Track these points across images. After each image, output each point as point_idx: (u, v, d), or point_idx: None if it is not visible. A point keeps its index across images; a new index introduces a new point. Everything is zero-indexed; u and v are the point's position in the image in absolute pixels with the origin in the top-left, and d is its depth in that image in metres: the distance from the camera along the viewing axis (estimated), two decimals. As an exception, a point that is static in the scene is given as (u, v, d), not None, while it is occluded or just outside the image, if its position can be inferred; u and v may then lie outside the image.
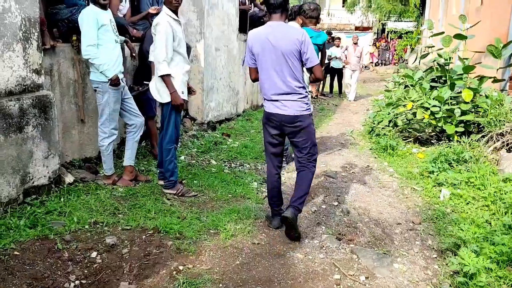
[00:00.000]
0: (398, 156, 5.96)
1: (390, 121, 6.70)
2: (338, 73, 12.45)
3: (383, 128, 6.94)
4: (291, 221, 3.25)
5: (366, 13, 22.29)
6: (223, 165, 5.36)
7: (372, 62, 23.89)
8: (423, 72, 6.71)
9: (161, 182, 4.17)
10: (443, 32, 6.83)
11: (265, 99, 3.30)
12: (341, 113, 10.17)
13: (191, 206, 3.88)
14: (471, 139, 5.41)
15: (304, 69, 3.31)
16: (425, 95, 5.98)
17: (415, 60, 19.57)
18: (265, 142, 3.47)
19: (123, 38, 4.44)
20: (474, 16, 9.33)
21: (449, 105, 5.83)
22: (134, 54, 4.69)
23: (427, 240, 3.54)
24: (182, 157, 5.43)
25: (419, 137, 6.60)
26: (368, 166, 5.68)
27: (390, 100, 6.75)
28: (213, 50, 6.99)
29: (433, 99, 5.98)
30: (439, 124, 5.85)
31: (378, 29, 24.30)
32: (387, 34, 24.09)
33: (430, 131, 6.48)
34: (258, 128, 7.60)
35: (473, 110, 5.80)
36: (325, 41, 5.18)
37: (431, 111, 5.86)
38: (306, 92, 3.30)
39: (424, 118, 5.92)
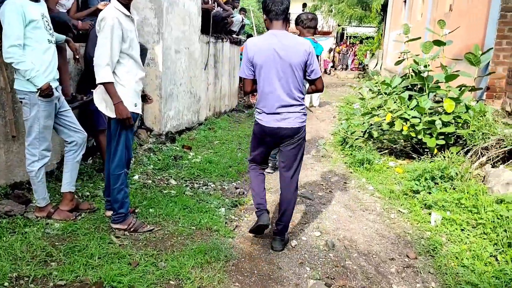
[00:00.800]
0: (376, 171, 5.44)
1: (364, 132, 6.19)
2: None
3: (356, 139, 6.43)
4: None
5: (326, 17, 22.09)
6: (184, 185, 4.62)
7: (329, 68, 23.71)
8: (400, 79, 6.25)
9: (109, 213, 3.38)
10: (419, 38, 6.40)
11: (263, 112, 3.10)
12: (308, 121, 9.62)
13: (145, 246, 3.12)
14: (452, 153, 4.97)
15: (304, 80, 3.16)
16: (403, 105, 5.50)
17: (376, 65, 19.57)
18: (255, 153, 3.35)
19: (62, 37, 3.62)
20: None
21: (428, 116, 5.38)
22: (77, 57, 3.86)
23: (428, 281, 2.97)
24: (136, 177, 4.64)
25: (394, 149, 6.14)
26: (345, 183, 5.11)
27: (366, 110, 6.24)
28: (173, 53, 6.22)
29: (412, 109, 5.52)
30: (419, 137, 5.39)
31: (338, 34, 24.18)
32: (348, 39, 24.01)
33: (407, 143, 6.03)
34: (222, 139, 6.90)
35: (453, 121, 5.38)
36: (326, 51, 4.91)
37: (410, 123, 5.38)
38: (304, 102, 3.19)
39: (403, 129, 5.43)
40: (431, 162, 4.88)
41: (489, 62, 6.14)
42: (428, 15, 10.06)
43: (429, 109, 5.44)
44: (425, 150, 5.70)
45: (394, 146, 6.05)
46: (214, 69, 8.23)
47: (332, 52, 23.30)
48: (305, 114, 3.17)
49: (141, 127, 5.89)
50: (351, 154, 6.11)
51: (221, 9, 8.27)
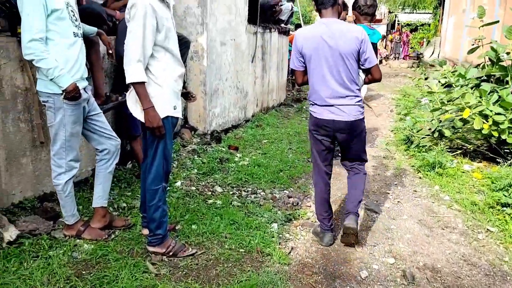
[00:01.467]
0: (449, 176, 4.67)
1: (434, 130, 5.39)
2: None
3: (423, 137, 5.64)
4: (354, 231, 3.04)
5: (378, 4, 20.83)
6: (231, 193, 4.09)
7: (381, 57, 22.41)
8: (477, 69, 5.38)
9: (146, 232, 2.90)
10: (498, 21, 5.49)
11: (315, 104, 2.94)
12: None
13: (186, 276, 2.60)
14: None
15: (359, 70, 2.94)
16: (484, 99, 4.67)
17: (432, 53, 18.22)
18: (314, 151, 3.12)
19: (94, 29, 3.16)
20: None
21: (515, 113, 4.53)
22: (111, 51, 3.39)
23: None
24: (179, 183, 4.16)
25: (467, 149, 5.31)
26: (415, 191, 4.39)
27: (435, 105, 5.43)
28: (218, 45, 5.69)
29: (494, 104, 4.68)
30: (503, 136, 4.55)
31: (390, 21, 22.83)
32: (400, 27, 22.62)
33: (483, 143, 5.18)
34: (271, 137, 6.32)
35: (547, 119, 4.50)
36: (380, 39, 4.55)
37: (493, 120, 4.55)
38: (360, 94, 2.94)
39: (483, 128, 4.61)
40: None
41: None
42: (499, -4, 8.93)
43: None
44: (506, 151, 4.86)
45: (469, 147, 5.22)
46: (262, 61, 7.65)
47: (384, 41, 22.03)
48: (362, 107, 2.94)
49: (184, 126, 5.42)
50: (419, 155, 5.35)
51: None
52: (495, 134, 4.60)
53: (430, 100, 5.52)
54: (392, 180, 4.74)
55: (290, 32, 9.69)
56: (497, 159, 4.95)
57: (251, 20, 6.98)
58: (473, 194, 4.22)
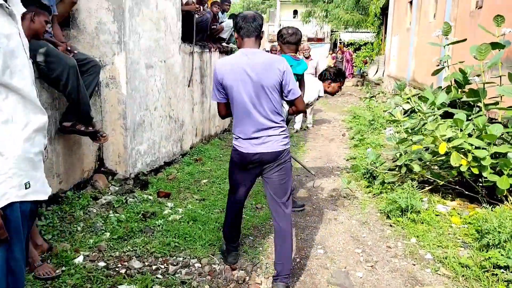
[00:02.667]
0: (425, 223, 3.84)
1: (400, 166, 4.58)
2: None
3: (387, 172, 4.83)
4: None
5: (321, 23, 20.62)
6: (154, 268, 2.99)
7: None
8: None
9: None
10: (465, 39, 4.84)
11: (239, 137, 2.79)
12: (313, 140, 8.03)
13: None
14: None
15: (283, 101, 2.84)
16: (463, 131, 3.91)
17: (376, 72, 18.09)
18: (234, 181, 2.98)
19: None
20: (468, 22, 7.56)
21: (495, 146, 3.82)
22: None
23: None
24: (80, 259, 2.99)
25: (437, 185, 4.55)
26: (389, 247, 3.50)
27: (402, 136, 4.63)
28: (143, 68, 4.60)
29: (472, 135, 3.95)
30: (484, 174, 3.80)
31: (334, 40, 22.70)
32: (342, 46, 22.54)
33: (456, 177, 4.44)
34: (212, 175, 5.26)
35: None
36: (305, 71, 4.11)
37: (473, 156, 3.79)
38: (285, 124, 2.83)
39: (461, 165, 3.84)
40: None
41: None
42: (447, 14, 8.55)
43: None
44: (480, 184, 4.14)
45: (440, 182, 4.46)
46: (201, 85, 6.62)
47: (326, 59, 21.78)
48: (287, 137, 2.83)
49: (99, 170, 4.24)
50: (385, 194, 4.52)
51: (209, 14, 6.68)
52: (475, 171, 3.84)
53: (396, 130, 4.73)
54: (359, 230, 3.83)
55: (233, 52, 8.76)
56: (467, 193, 4.23)
57: (186, 38, 5.96)
58: (458, 249, 3.40)
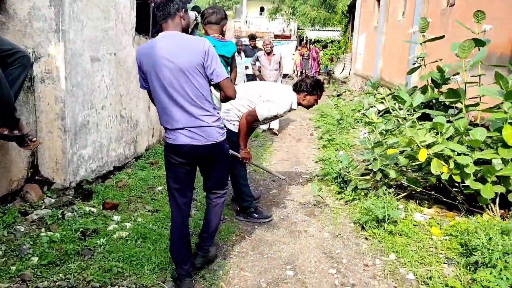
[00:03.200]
0: (403, 235, 3.47)
1: (375, 172, 4.20)
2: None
3: (359, 178, 4.44)
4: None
5: (288, 20, 20.27)
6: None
7: (296, 72, 21.90)
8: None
9: None
10: (443, 36, 4.50)
11: (166, 128, 2.56)
12: (280, 140, 7.60)
13: None
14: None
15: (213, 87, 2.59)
16: (442, 135, 3.55)
17: (343, 70, 17.93)
18: (170, 180, 2.64)
19: None
20: (439, 20, 7.32)
21: (478, 152, 3.48)
22: None
23: None
24: (-5, 294, 2.41)
25: (414, 191, 4.20)
26: (366, 265, 3.09)
27: (377, 139, 4.24)
28: (87, 61, 4.00)
29: (452, 140, 3.60)
30: (467, 182, 3.46)
31: (301, 37, 22.43)
32: (308, 43, 22.32)
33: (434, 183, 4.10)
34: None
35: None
36: (234, 53, 3.91)
37: (455, 163, 3.44)
38: (218, 113, 2.61)
39: (442, 173, 3.48)
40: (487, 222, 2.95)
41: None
42: (417, 12, 8.31)
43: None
44: (463, 194, 3.82)
45: (417, 189, 4.11)
46: (159, 81, 6.03)
47: (294, 57, 21.51)
48: (221, 127, 2.62)
49: (32, 179, 3.61)
50: (358, 201, 4.13)
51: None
52: (457, 179, 3.49)
53: (370, 131, 4.33)
54: (332, 245, 3.41)
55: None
56: (445, 200, 3.91)
57: (143, 29, 5.37)
58: (442, 266, 3.03)
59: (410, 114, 4.06)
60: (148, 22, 5.43)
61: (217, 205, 2.89)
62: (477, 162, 3.52)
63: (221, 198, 2.90)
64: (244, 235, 3.56)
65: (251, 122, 3.53)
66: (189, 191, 2.70)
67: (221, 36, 3.44)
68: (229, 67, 4.10)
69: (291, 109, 3.78)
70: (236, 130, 3.64)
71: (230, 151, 3.69)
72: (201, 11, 5.48)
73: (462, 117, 3.87)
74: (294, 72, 21.81)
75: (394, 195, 4.15)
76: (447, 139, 3.64)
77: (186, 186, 2.66)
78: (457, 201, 3.88)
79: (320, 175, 5.28)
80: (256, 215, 3.84)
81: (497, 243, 2.77)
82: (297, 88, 3.80)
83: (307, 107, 3.89)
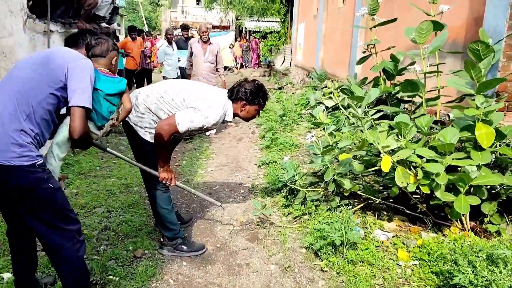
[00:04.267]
0: (365, 262, 2.82)
1: (328, 182, 3.53)
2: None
3: (307, 188, 3.78)
4: None
5: (226, 10, 19.37)
6: None
7: (236, 64, 21.09)
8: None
9: None
10: (395, 19, 3.91)
11: None
12: (219, 141, 6.80)
13: None
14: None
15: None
16: (405, 138, 2.93)
17: (283, 61, 17.39)
18: None
19: None
20: (383, 4, 6.82)
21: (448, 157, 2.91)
22: None
23: None
24: None
25: (370, 203, 3.60)
26: (325, 314, 2.41)
27: (327, 143, 3.56)
28: None
29: (417, 143, 3.00)
30: (437, 194, 2.88)
31: (240, 28, 21.61)
32: (249, 34, 21.58)
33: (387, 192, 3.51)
34: (78, 202, 3.76)
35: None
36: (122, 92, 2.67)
37: (424, 171, 2.84)
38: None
39: (408, 184, 2.87)
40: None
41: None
42: (358, -2, 7.81)
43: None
44: (428, 205, 3.27)
45: (376, 201, 3.50)
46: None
47: (233, 48, 20.65)
48: (26, 146, 1.88)
49: None
50: (308, 216, 3.45)
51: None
52: (425, 190, 2.90)
53: (318, 136, 3.66)
54: (281, 284, 2.68)
55: (118, 36, 7.16)
56: (408, 212, 3.34)
57: (39, 12, 4.30)
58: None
59: (368, 115, 3.42)
60: (45, 2, 4.36)
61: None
62: (447, 170, 2.96)
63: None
64: (168, 278, 2.74)
65: (169, 133, 2.69)
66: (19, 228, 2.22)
67: (108, 71, 2.50)
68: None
69: (224, 121, 2.96)
70: (153, 141, 2.80)
71: (147, 169, 2.84)
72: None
73: (424, 114, 3.29)
74: (233, 65, 20.99)
75: (350, 207, 3.54)
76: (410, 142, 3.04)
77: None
78: (419, 211, 3.33)
79: (263, 184, 4.56)
80: (185, 247, 3.03)
81: (484, 276, 2.17)
82: (233, 95, 2.94)
83: (246, 119, 3.05)
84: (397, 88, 3.91)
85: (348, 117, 3.86)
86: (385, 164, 2.81)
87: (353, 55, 8.06)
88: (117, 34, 8.27)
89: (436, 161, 2.85)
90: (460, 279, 2.22)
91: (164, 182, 2.85)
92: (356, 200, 3.75)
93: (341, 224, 2.99)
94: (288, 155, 5.43)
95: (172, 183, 2.88)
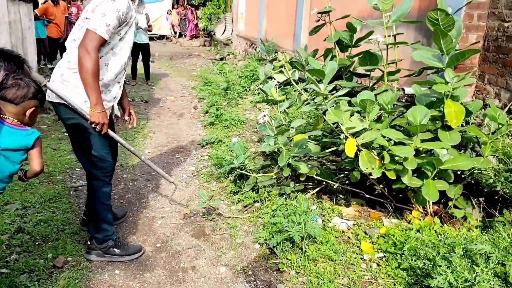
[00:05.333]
0: (326, 258, 2.51)
1: (282, 167, 3.14)
2: (143, 50, 8.24)
3: (258, 172, 3.38)
4: None
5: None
6: None
7: (174, 34, 19.89)
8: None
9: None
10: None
11: None
12: (158, 117, 6.17)
13: None
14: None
15: None
16: (367, 118, 2.59)
17: (224, 31, 16.63)
18: None
19: None
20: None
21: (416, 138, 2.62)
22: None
23: None
24: None
25: (326, 186, 3.29)
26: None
27: (280, 123, 3.15)
28: None
29: (382, 125, 2.67)
30: (404, 180, 2.59)
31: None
32: (187, 0, 20.36)
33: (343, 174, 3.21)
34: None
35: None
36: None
37: (391, 155, 2.53)
38: None
39: (373, 168, 2.55)
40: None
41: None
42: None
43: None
44: (389, 189, 3.02)
45: (335, 186, 3.18)
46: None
47: (170, 16, 19.40)
48: None
49: None
50: (260, 205, 3.07)
51: None
52: (391, 175, 2.60)
53: (272, 115, 3.21)
54: (234, 293, 2.29)
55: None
56: (368, 196, 3.08)
57: None
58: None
59: (332, 93, 3.03)
60: None
61: None
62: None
63: None
64: (96, 293, 2.24)
65: (92, 47, 2.18)
66: None
67: (17, 121, 1.83)
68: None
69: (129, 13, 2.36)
70: (76, 92, 2.27)
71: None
72: None
73: (386, 90, 2.97)
74: (171, 33, 19.81)
75: (305, 192, 3.21)
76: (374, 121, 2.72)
77: None
78: (377, 194, 3.07)
79: (208, 166, 4.09)
80: (117, 251, 2.52)
81: (464, 277, 1.91)
82: None
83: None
84: (353, 61, 3.58)
85: (300, 94, 3.48)
86: (350, 148, 2.46)
87: (299, 25, 7.66)
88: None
89: (404, 144, 2.55)
90: (439, 281, 1.95)
91: (94, 126, 2.31)
92: (311, 183, 3.43)
93: (299, 215, 2.63)
94: (236, 135, 4.99)
95: (104, 130, 2.33)
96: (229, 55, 13.07)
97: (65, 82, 2.30)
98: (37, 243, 2.61)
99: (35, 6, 7.62)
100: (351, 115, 2.70)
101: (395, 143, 2.57)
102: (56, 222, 2.83)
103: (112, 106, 2.48)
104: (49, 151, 4.27)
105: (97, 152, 2.38)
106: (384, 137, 2.54)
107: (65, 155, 4.20)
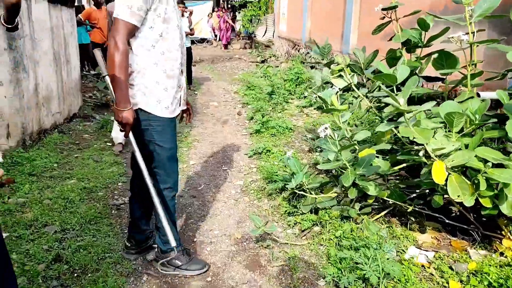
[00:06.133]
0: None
1: (347, 188, 2.73)
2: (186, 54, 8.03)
3: (317, 191, 2.98)
4: None
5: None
6: None
7: (215, 37, 19.75)
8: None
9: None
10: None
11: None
12: (201, 124, 5.90)
13: None
14: None
15: None
16: (457, 136, 2.14)
17: (265, 32, 16.31)
18: None
19: None
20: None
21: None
22: None
23: None
24: None
25: (396, 209, 2.84)
26: None
27: (343, 135, 2.75)
28: None
29: (474, 141, 2.21)
30: (503, 209, 2.11)
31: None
32: (227, 3, 20.21)
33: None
34: (27, 218, 2.87)
35: None
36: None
37: (488, 180, 2.06)
38: None
39: (465, 195, 2.09)
40: None
41: None
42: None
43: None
44: (476, 216, 2.53)
45: (409, 208, 2.73)
46: (11, 52, 3.97)
47: (211, 19, 19.28)
48: None
49: None
50: (321, 229, 2.67)
51: None
52: (486, 203, 2.13)
53: (333, 126, 2.81)
54: None
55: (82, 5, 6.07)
56: (445, 220, 2.61)
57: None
58: None
59: (411, 108, 2.58)
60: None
61: None
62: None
63: None
64: None
65: (119, 36, 1.93)
66: None
67: None
68: None
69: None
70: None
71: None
72: None
73: (472, 97, 2.49)
74: (212, 36, 19.70)
75: (370, 214, 2.79)
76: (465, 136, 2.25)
77: None
78: (454, 217, 2.60)
79: (257, 180, 3.74)
80: (179, 263, 2.22)
81: None
82: None
83: None
84: (424, 64, 3.11)
85: (361, 100, 3.06)
86: (439, 173, 2.01)
87: (347, 25, 7.18)
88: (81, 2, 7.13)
89: (503, 166, 2.08)
90: None
91: (118, 125, 2.01)
92: (376, 203, 3.00)
93: (373, 249, 2.21)
94: (285, 144, 4.62)
95: (126, 132, 2.01)
96: (270, 57, 12.73)
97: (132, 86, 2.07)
98: (75, 274, 2.34)
99: (78, 11, 7.57)
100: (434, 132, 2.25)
101: (494, 165, 2.10)
102: (96, 249, 2.56)
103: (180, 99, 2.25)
104: (91, 163, 4.07)
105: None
106: (484, 161, 2.08)
107: (107, 167, 3.98)
